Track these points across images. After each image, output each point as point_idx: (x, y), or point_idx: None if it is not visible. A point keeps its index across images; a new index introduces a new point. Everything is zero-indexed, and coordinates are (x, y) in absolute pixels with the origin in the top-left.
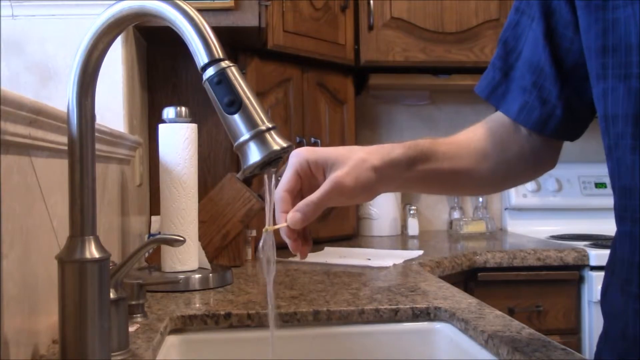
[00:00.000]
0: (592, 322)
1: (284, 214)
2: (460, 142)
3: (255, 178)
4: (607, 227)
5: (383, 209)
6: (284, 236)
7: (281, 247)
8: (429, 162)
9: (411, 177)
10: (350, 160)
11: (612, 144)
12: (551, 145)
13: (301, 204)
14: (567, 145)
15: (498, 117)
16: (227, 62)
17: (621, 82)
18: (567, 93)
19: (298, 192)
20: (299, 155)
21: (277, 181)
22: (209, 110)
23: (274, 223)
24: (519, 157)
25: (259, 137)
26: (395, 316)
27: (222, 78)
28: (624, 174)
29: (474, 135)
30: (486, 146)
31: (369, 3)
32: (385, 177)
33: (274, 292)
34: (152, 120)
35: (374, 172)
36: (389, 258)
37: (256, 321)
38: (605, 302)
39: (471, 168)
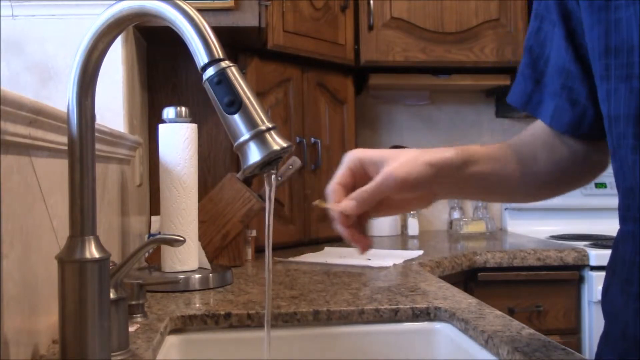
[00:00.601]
0: (592, 322)
1: (335, 204)
2: (509, 145)
3: (255, 178)
4: (607, 227)
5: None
6: (338, 225)
7: (281, 247)
8: (480, 164)
9: (465, 178)
10: (402, 156)
11: (615, 145)
12: (596, 146)
13: (355, 192)
14: None
15: (540, 127)
16: (227, 62)
17: (623, 82)
18: (596, 92)
19: (350, 188)
20: (351, 154)
21: (278, 181)
22: (209, 110)
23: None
24: (570, 159)
25: (259, 137)
26: (395, 316)
27: (222, 78)
28: (627, 174)
29: (521, 140)
30: (535, 149)
31: (369, 3)
32: (439, 175)
33: (272, 293)
34: (152, 120)
35: (428, 166)
36: (389, 258)
37: (256, 321)
38: (606, 301)
39: (524, 171)
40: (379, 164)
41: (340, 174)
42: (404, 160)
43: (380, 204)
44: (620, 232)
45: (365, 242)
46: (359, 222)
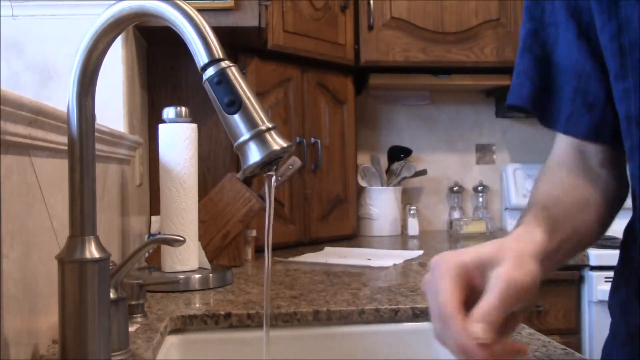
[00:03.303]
0: (592, 322)
1: (463, 331)
2: (564, 198)
3: (255, 178)
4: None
5: (383, 209)
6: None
7: (281, 247)
8: (559, 232)
9: (556, 254)
10: (508, 251)
11: (635, 145)
12: (616, 160)
13: (478, 313)
14: None
15: (565, 151)
16: (227, 62)
17: None
18: (612, 96)
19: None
20: (451, 261)
21: (278, 181)
22: (209, 110)
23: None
24: (608, 188)
25: (259, 137)
26: (395, 316)
27: (222, 78)
28: None
29: (567, 186)
30: (585, 192)
31: (369, 3)
32: (545, 263)
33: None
34: (152, 120)
35: (537, 262)
36: (389, 258)
37: (256, 321)
38: (614, 303)
39: (589, 219)
40: (485, 269)
41: (450, 289)
42: (513, 261)
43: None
44: (633, 233)
45: (518, 346)
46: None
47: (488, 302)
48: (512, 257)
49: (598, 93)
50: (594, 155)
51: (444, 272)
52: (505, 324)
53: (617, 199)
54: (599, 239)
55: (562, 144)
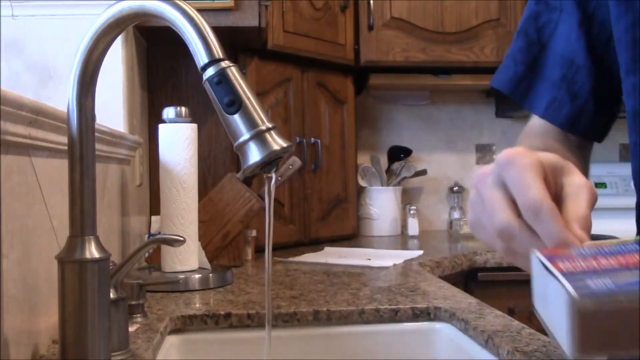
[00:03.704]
0: None
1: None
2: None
3: (255, 178)
4: (607, 227)
5: (383, 209)
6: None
7: (281, 247)
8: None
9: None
10: (571, 165)
11: (638, 142)
12: (585, 151)
13: (576, 217)
14: None
15: (538, 124)
16: (227, 62)
17: None
18: (602, 87)
19: None
20: (533, 157)
21: (278, 181)
22: (209, 110)
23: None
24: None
25: (259, 137)
26: (395, 316)
27: (222, 78)
28: None
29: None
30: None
31: (369, 3)
32: None
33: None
34: (152, 120)
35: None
36: (389, 258)
37: (256, 321)
38: None
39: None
40: (558, 172)
41: (540, 184)
42: (579, 172)
43: None
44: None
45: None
46: None
47: (581, 207)
48: (578, 170)
49: (584, 85)
50: (572, 137)
51: (528, 166)
52: None
53: None
54: None
55: (537, 125)
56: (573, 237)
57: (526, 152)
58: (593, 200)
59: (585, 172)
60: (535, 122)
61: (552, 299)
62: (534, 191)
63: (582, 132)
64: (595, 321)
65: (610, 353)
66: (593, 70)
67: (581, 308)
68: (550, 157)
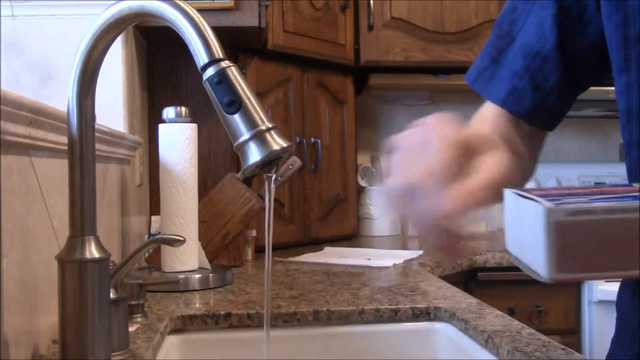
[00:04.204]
0: (592, 322)
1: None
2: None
3: (255, 178)
4: None
5: (383, 209)
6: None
7: (281, 247)
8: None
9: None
10: (495, 143)
11: (633, 141)
12: (538, 142)
13: (461, 189)
14: (567, 145)
15: (491, 113)
16: (227, 62)
17: None
18: (565, 80)
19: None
20: (446, 131)
21: (278, 181)
22: (209, 110)
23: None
24: (525, 153)
25: (259, 137)
26: (395, 316)
27: (222, 78)
28: None
29: (491, 125)
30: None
31: (369, 3)
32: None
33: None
34: (152, 120)
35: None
36: (389, 258)
37: (256, 321)
38: (619, 303)
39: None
40: (480, 146)
41: (451, 156)
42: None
43: None
44: None
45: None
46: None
47: (468, 184)
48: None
49: (549, 77)
50: (525, 126)
51: (439, 144)
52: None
53: (526, 172)
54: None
55: (490, 113)
56: (445, 207)
57: (451, 123)
58: (488, 180)
59: (534, 159)
60: (489, 109)
61: (527, 223)
62: (431, 159)
63: (539, 123)
64: (571, 234)
65: (587, 275)
66: (561, 63)
67: (556, 218)
68: (475, 133)
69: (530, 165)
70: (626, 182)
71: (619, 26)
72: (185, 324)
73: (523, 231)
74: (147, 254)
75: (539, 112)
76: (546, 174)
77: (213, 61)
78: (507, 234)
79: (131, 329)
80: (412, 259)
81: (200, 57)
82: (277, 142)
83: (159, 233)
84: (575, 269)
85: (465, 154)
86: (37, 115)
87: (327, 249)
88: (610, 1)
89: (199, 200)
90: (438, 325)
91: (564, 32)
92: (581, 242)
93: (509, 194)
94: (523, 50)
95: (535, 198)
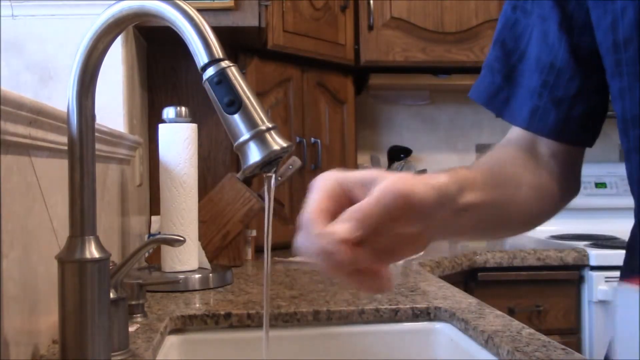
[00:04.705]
0: (592, 322)
1: (322, 233)
2: (490, 169)
3: (255, 178)
4: (607, 227)
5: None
6: (337, 271)
7: (281, 247)
8: (474, 190)
9: (462, 211)
10: (397, 174)
11: (631, 148)
12: (577, 157)
13: (346, 213)
14: None
15: (514, 137)
16: (227, 62)
17: (638, 80)
18: (587, 89)
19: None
20: (325, 177)
21: (278, 181)
22: (209, 110)
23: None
24: (548, 180)
25: (259, 137)
26: (395, 316)
27: (222, 78)
28: None
29: (499, 161)
30: (521, 170)
31: (369, 3)
32: (440, 203)
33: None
34: (152, 120)
35: (431, 189)
36: None
37: (256, 321)
38: None
39: (511, 198)
40: (368, 185)
41: (316, 200)
42: (399, 177)
43: (373, 246)
44: (634, 237)
45: (387, 275)
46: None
47: (361, 203)
48: (402, 176)
49: (569, 89)
50: (545, 146)
51: (318, 187)
52: (386, 250)
53: (556, 195)
54: (527, 227)
55: (514, 133)
56: (325, 240)
57: (331, 174)
58: (389, 195)
59: (568, 178)
60: (512, 132)
61: None
62: (306, 208)
63: (570, 139)
64: None
65: None
66: (578, 71)
67: None
68: (367, 173)
69: (559, 187)
70: None
71: (608, 30)
72: (185, 324)
73: None
74: (147, 254)
75: (566, 129)
76: None
77: (213, 61)
78: (617, 342)
79: (131, 329)
80: (412, 259)
81: (200, 57)
82: (277, 142)
83: (159, 233)
84: None
85: (353, 194)
86: (37, 115)
87: None
88: (598, 6)
89: (199, 200)
90: (438, 325)
91: (574, 38)
92: None
93: (623, 292)
94: (537, 65)
95: None
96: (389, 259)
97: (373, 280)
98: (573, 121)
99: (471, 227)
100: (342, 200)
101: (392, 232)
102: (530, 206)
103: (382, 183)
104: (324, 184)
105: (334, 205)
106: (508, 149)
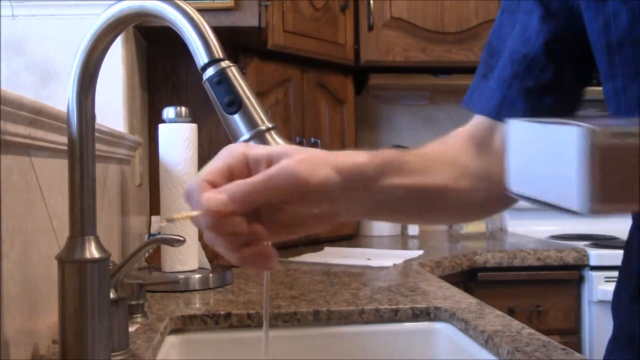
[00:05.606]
0: (592, 322)
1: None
2: (432, 154)
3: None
4: (607, 227)
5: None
6: (206, 231)
7: (281, 247)
8: (400, 175)
9: (381, 193)
10: (305, 152)
11: None
12: None
13: (228, 185)
14: None
15: (471, 125)
16: (227, 62)
17: (633, 81)
18: (560, 81)
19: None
20: (233, 147)
21: None
22: (209, 110)
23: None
24: (498, 170)
25: (259, 137)
26: (395, 316)
27: (222, 78)
28: None
29: (447, 146)
30: (465, 159)
31: (369, 3)
32: (349, 186)
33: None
34: (152, 120)
35: (336, 172)
36: (389, 258)
37: (256, 321)
38: (615, 305)
39: (450, 185)
40: (275, 160)
41: (211, 169)
42: (307, 156)
43: (273, 220)
44: (637, 237)
45: (269, 252)
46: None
47: (248, 179)
48: (308, 155)
49: (539, 79)
50: (501, 137)
51: (221, 154)
52: (288, 224)
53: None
54: (473, 215)
55: (472, 122)
56: (213, 199)
57: (238, 145)
58: (280, 176)
59: None
60: (471, 121)
61: (551, 153)
62: (199, 175)
63: None
64: (614, 160)
65: (629, 206)
66: (552, 63)
67: (599, 141)
68: (273, 148)
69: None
70: None
71: (601, 32)
72: (185, 324)
73: (541, 164)
74: (147, 254)
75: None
76: None
77: (213, 61)
78: (511, 172)
79: (131, 329)
80: (412, 259)
81: (200, 57)
82: (277, 142)
83: (159, 233)
84: (616, 199)
85: (256, 168)
86: (37, 115)
87: (327, 249)
88: (590, 7)
89: None
90: (438, 325)
91: (556, 32)
92: (624, 169)
93: (517, 124)
94: (511, 57)
95: (570, 122)
96: (290, 234)
97: (256, 256)
98: (543, 111)
99: (398, 211)
100: (243, 172)
101: (292, 211)
102: (475, 195)
103: (282, 161)
104: (227, 153)
105: (230, 176)
106: (460, 136)
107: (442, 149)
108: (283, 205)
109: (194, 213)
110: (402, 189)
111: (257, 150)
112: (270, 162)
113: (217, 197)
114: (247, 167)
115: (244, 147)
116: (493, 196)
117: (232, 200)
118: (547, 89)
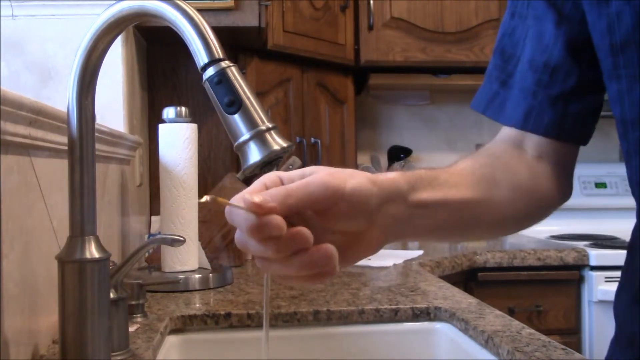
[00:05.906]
0: (592, 322)
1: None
2: (461, 169)
3: (255, 178)
4: (607, 227)
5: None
6: (243, 231)
7: None
8: (432, 188)
9: (416, 207)
10: (338, 169)
11: (631, 150)
12: (563, 159)
13: (272, 190)
14: None
15: (499, 138)
16: (227, 62)
17: (637, 82)
18: (584, 86)
19: None
20: (267, 174)
21: None
22: (209, 110)
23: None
24: (531, 181)
25: (259, 137)
26: (395, 316)
27: (222, 78)
28: None
29: (475, 162)
30: (492, 172)
31: (369, 3)
32: (384, 197)
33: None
34: (152, 120)
35: (371, 183)
36: (389, 258)
37: (256, 321)
38: (617, 305)
39: (484, 198)
40: (307, 175)
41: (248, 189)
42: (337, 170)
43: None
44: (634, 239)
45: (329, 251)
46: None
47: (285, 186)
48: (339, 170)
49: (565, 86)
50: (533, 146)
51: (259, 179)
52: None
53: (542, 196)
54: (506, 229)
55: (501, 135)
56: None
57: (273, 172)
58: (313, 185)
59: (559, 179)
60: (500, 133)
61: None
62: (241, 193)
63: (567, 136)
64: None
65: None
66: (574, 68)
67: None
68: (300, 171)
69: (547, 188)
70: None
71: (604, 34)
72: (185, 324)
73: None
74: (147, 254)
75: (563, 127)
76: None
77: (213, 61)
78: None
79: (131, 329)
80: (412, 259)
81: (200, 57)
82: (277, 142)
83: (159, 233)
84: None
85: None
86: (37, 115)
87: None
88: (592, 10)
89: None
90: (438, 325)
91: (571, 37)
92: None
93: None
94: (530, 65)
95: None
96: (344, 259)
97: (314, 260)
98: (570, 118)
99: (433, 227)
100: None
101: (335, 228)
102: (509, 208)
103: (316, 174)
104: (264, 177)
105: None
106: (491, 151)
107: (471, 165)
108: (324, 224)
109: (236, 203)
110: (435, 204)
111: (291, 172)
112: (303, 177)
113: (259, 194)
114: (281, 183)
115: (279, 172)
116: (527, 207)
117: (273, 199)
118: (573, 95)
